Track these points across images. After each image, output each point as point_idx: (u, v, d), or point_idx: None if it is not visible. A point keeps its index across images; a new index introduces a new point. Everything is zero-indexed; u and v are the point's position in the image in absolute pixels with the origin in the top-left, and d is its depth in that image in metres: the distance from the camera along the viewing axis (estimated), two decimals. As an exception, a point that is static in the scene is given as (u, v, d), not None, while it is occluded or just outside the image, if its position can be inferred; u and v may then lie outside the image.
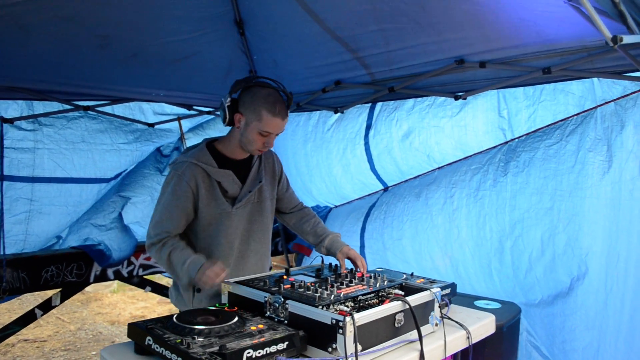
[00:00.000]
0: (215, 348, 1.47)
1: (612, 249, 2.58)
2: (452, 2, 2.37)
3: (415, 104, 3.44)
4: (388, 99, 3.55)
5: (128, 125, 3.94)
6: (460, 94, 3.15)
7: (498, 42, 2.57)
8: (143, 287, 4.22)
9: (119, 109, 3.89)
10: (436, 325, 1.95)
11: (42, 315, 3.85)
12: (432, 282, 2.25)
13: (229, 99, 2.18)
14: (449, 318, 2.07)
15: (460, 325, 2.04)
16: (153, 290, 4.33)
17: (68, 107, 3.62)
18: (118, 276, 3.90)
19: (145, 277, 4.15)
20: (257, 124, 2.16)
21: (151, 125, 4.09)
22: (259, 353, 1.48)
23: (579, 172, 2.71)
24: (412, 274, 2.31)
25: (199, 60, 3.27)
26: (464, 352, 2.08)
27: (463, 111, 3.22)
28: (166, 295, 4.39)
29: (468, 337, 2.03)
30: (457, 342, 1.99)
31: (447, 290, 2.24)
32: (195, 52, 3.18)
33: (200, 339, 1.54)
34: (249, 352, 1.46)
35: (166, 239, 2.21)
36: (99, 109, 3.77)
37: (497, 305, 2.60)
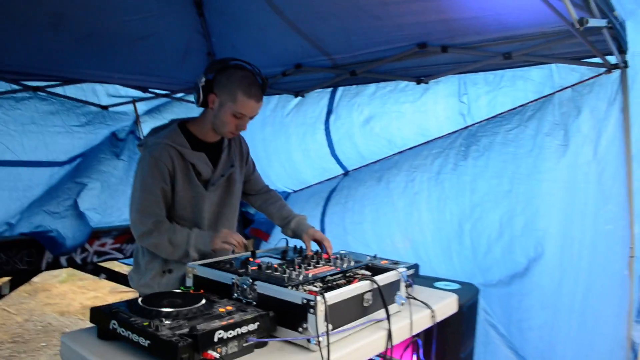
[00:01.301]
0: (185, 330, 1.43)
1: (567, 230, 2.68)
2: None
3: (376, 89, 3.46)
4: (349, 83, 3.55)
5: (80, 107, 3.81)
6: (422, 78, 3.19)
7: (460, 29, 2.61)
8: (97, 275, 4.10)
9: (70, 90, 3.75)
10: (402, 304, 1.98)
11: (-9, 304, 3.70)
12: (396, 263, 2.27)
13: (203, 80, 2.13)
14: (414, 298, 2.09)
15: (425, 304, 2.07)
16: (108, 278, 4.21)
17: (16, 87, 3.46)
18: (71, 264, 3.79)
19: (100, 264, 4.03)
20: (232, 105, 2.12)
21: (105, 107, 3.97)
22: (230, 334, 1.46)
23: (537, 156, 2.79)
24: (375, 256, 2.32)
25: (156, 42, 3.19)
26: (427, 332, 2.12)
27: (424, 97, 3.26)
28: (121, 283, 4.29)
29: (433, 316, 2.05)
30: (422, 321, 2.02)
31: (411, 271, 2.26)
32: (153, 33, 3.10)
33: (168, 322, 1.50)
34: (220, 333, 1.43)
35: (160, 224, 2.14)
36: (50, 89, 3.62)
37: (456, 286, 2.64)
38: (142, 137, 4.20)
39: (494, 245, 2.96)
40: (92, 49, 3.10)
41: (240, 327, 1.49)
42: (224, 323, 1.48)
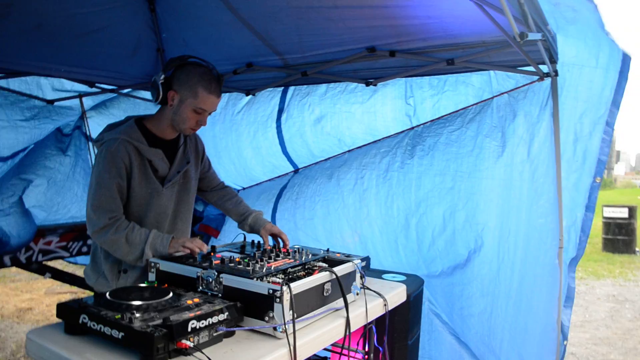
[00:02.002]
0: (158, 321, 1.48)
1: (504, 224, 2.90)
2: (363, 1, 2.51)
3: (327, 90, 3.57)
4: (300, 83, 3.64)
5: (25, 101, 3.69)
6: (371, 80, 3.33)
7: (407, 35, 2.76)
8: (42, 274, 3.98)
9: (14, 83, 3.64)
10: (357, 294, 2.10)
11: None
12: (348, 256, 2.38)
13: (162, 77, 2.15)
14: (368, 288, 2.22)
15: (378, 294, 2.20)
16: (53, 277, 4.09)
17: (-43, 79, 3.33)
18: (15, 262, 3.66)
19: (45, 263, 3.92)
20: (193, 101, 2.16)
21: (50, 102, 3.87)
22: (202, 324, 1.52)
23: (477, 156, 3.00)
24: (327, 250, 2.42)
25: (106, 36, 3.14)
26: (379, 320, 2.25)
27: (373, 98, 3.41)
28: (68, 282, 4.20)
29: (385, 305, 2.20)
30: (376, 309, 2.15)
31: (364, 263, 2.39)
32: (103, 27, 3.06)
33: (139, 315, 1.53)
34: (193, 323, 1.49)
35: (117, 221, 2.13)
36: (-8, 82, 3.51)
37: (402, 278, 2.77)
38: (88, 133, 4.12)
39: (437, 238, 3.16)
40: (39, 41, 3.02)
41: (211, 317, 1.56)
42: (195, 314, 1.54)
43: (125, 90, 4.13)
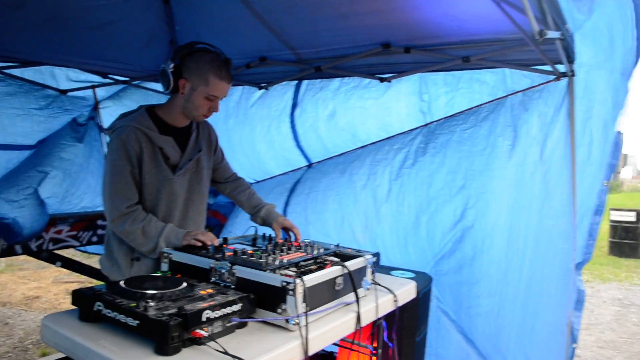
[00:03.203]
0: (173, 310, 1.49)
1: (513, 224, 2.88)
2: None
3: (340, 84, 3.56)
4: (314, 77, 3.64)
5: (39, 90, 3.71)
6: (385, 76, 3.32)
7: (422, 32, 2.76)
8: (53, 262, 4.00)
9: (28, 73, 3.65)
10: (367, 289, 2.11)
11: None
12: (359, 251, 2.38)
13: (172, 65, 2.15)
14: (378, 283, 2.21)
15: (388, 290, 2.21)
16: (63, 266, 4.11)
17: (-29, 68, 3.35)
18: (26, 251, 3.68)
19: (55, 251, 3.94)
20: (205, 89, 2.17)
21: (63, 92, 3.88)
22: (216, 314, 1.53)
23: (489, 155, 2.98)
24: (337, 245, 2.42)
25: (120, 28, 3.16)
26: (388, 317, 2.26)
27: (387, 94, 3.40)
28: (78, 271, 4.23)
29: (395, 301, 2.20)
30: (386, 304, 2.15)
31: (375, 259, 2.39)
32: (117, 19, 3.07)
33: (153, 303, 1.54)
34: (207, 313, 1.50)
35: (134, 211, 2.15)
36: (7, 71, 3.51)
37: (411, 275, 2.76)
38: (101, 123, 4.15)
39: (447, 236, 3.14)
40: (53, 33, 3.04)
41: (224, 307, 1.57)
42: (209, 304, 1.55)
43: (137, 82, 4.15)
